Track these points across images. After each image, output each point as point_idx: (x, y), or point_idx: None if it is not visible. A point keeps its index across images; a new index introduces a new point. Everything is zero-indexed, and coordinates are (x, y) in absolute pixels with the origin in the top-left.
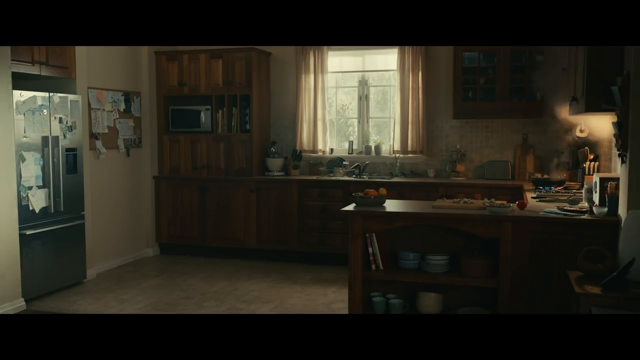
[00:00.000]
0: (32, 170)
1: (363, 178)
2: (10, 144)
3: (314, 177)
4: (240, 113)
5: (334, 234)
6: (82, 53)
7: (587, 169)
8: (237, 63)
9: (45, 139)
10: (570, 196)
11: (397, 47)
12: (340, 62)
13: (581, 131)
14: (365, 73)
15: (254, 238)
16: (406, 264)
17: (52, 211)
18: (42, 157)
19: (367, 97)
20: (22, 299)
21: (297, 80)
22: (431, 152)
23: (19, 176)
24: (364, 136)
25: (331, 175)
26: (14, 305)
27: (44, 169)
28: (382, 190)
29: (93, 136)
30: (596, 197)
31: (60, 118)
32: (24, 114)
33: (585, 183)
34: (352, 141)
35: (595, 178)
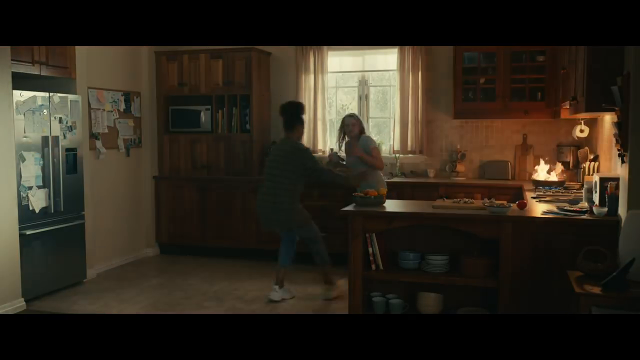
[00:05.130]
0: (32, 170)
1: None
2: (10, 144)
3: None
4: (240, 113)
5: (334, 234)
6: (82, 53)
7: (587, 169)
8: (237, 63)
9: (45, 139)
10: (570, 196)
11: (397, 47)
12: (340, 62)
13: (581, 131)
14: (365, 73)
15: (254, 238)
16: (406, 264)
17: (52, 211)
18: (42, 157)
19: (367, 97)
20: (22, 299)
21: (297, 80)
22: (431, 152)
23: (19, 176)
24: None
25: None
26: (14, 305)
27: (44, 169)
28: (382, 190)
29: (93, 136)
30: (596, 197)
31: (60, 118)
32: (24, 114)
33: (585, 183)
34: None
35: (595, 178)
